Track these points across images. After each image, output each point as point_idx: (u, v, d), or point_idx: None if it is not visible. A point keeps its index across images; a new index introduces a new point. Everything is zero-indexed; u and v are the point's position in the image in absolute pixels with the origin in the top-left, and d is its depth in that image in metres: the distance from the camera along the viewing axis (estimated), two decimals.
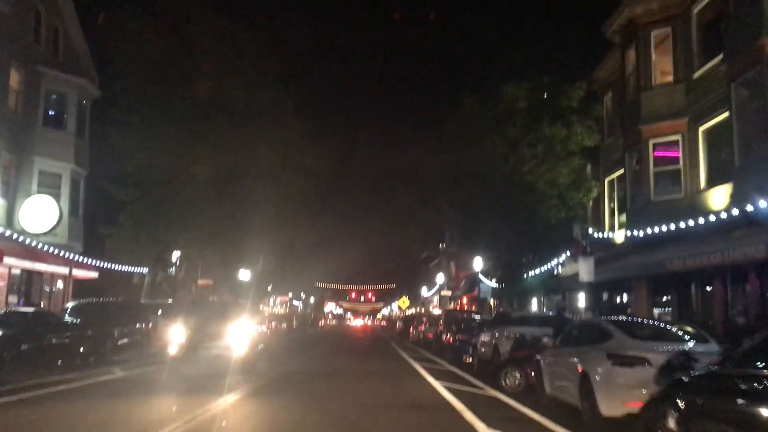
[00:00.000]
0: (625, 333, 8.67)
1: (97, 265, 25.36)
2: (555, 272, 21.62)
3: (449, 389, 12.01)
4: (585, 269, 17.32)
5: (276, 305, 76.48)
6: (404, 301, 72.16)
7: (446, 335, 21.76)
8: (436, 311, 52.94)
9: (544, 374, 10.46)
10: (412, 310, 71.70)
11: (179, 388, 11.62)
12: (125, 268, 27.58)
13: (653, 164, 17.56)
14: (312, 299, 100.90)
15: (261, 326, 17.78)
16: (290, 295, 76.28)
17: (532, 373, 11.26)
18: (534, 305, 23.19)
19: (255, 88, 26.09)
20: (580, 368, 8.72)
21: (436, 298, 65.01)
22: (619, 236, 19.76)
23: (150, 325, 19.88)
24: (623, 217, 19.98)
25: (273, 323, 43.15)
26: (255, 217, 29.26)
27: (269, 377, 13.86)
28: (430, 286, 64.39)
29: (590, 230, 19.65)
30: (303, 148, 29.15)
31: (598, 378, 8.21)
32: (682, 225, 15.33)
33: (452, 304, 52.07)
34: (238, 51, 25.59)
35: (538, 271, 22.25)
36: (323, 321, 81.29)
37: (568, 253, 20.00)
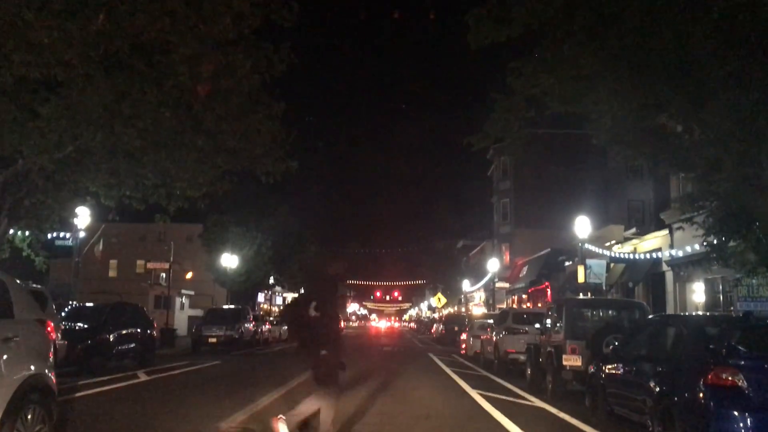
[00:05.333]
0: None
1: None
2: None
3: None
4: None
5: (285, 303, 64.58)
6: (440, 299, 59.01)
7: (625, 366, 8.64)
8: (478, 310, 40.21)
9: None
10: (449, 310, 58.88)
11: None
12: None
13: None
14: None
15: None
16: (302, 290, 63.85)
17: None
18: None
19: None
20: None
21: (478, 295, 52.02)
22: None
23: None
24: None
25: (258, 327, 30.78)
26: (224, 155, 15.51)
27: None
28: (473, 279, 51.27)
29: None
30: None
31: None
32: None
33: (508, 300, 39.07)
34: None
35: None
36: (342, 323, 68.87)
37: None
